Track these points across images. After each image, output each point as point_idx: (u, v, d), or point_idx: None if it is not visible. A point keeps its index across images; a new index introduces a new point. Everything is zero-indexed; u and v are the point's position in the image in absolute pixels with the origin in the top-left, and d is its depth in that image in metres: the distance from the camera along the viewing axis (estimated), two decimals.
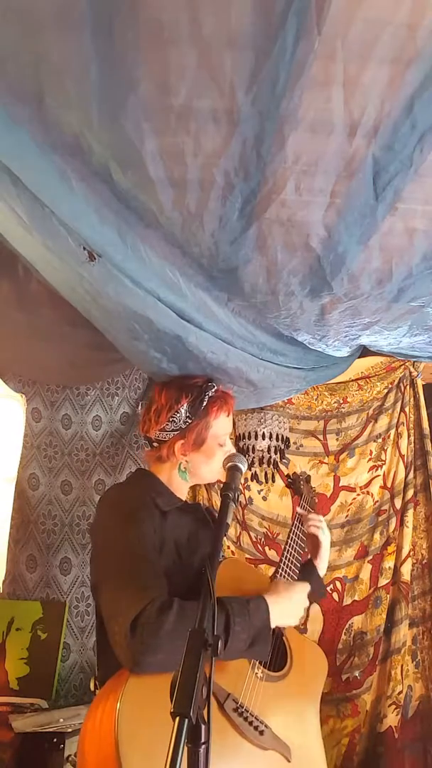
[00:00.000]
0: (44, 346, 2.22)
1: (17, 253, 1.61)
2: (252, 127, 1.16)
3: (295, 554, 1.75)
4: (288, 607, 1.48)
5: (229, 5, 0.99)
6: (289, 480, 2.16)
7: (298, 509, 1.90)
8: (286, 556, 1.72)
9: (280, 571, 1.68)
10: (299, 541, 1.80)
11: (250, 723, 1.35)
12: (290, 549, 1.75)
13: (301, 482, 2.08)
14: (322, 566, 1.85)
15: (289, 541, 1.78)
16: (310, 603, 1.59)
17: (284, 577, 1.66)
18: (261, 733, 1.36)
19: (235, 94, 1.10)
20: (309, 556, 1.86)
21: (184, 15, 1.00)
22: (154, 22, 1.02)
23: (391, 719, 2.52)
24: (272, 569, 2.59)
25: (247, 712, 1.37)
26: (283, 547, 1.76)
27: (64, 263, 1.46)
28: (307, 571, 1.79)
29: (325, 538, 1.84)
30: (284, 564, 1.70)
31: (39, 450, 2.71)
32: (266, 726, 1.38)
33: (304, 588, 1.55)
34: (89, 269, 1.43)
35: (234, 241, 1.44)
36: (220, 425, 1.69)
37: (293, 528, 1.82)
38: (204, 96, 1.11)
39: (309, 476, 2.20)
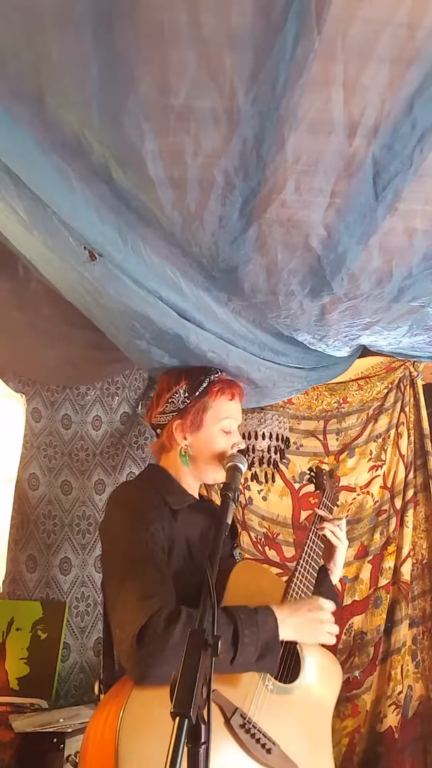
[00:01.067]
0: (44, 346, 2.22)
1: (17, 253, 1.61)
2: (252, 127, 1.16)
3: (312, 561, 1.65)
4: (300, 623, 1.41)
5: (229, 5, 0.99)
6: (312, 474, 1.97)
7: (319, 510, 1.75)
8: (302, 563, 1.62)
9: (294, 579, 1.58)
10: (317, 547, 1.68)
11: (258, 740, 1.31)
12: (308, 554, 1.64)
13: (324, 477, 1.92)
14: (336, 572, 1.74)
15: (307, 547, 1.66)
16: None
17: (298, 585, 1.57)
18: (268, 751, 1.32)
19: (235, 94, 1.10)
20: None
21: (184, 15, 1.00)
22: (154, 22, 1.02)
23: (391, 719, 2.52)
24: (272, 569, 2.64)
25: (255, 728, 1.32)
26: (301, 551, 1.66)
27: (64, 263, 1.46)
28: (319, 578, 1.68)
29: (341, 544, 1.71)
30: (299, 572, 1.60)
31: (39, 450, 2.71)
32: (274, 743, 1.34)
33: (314, 601, 1.47)
34: (90, 269, 1.43)
35: (234, 241, 1.44)
36: (221, 407, 1.64)
37: (312, 532, 1.69)
38: (204, 96, 1.11)
39: (332, 470, 2.05)
